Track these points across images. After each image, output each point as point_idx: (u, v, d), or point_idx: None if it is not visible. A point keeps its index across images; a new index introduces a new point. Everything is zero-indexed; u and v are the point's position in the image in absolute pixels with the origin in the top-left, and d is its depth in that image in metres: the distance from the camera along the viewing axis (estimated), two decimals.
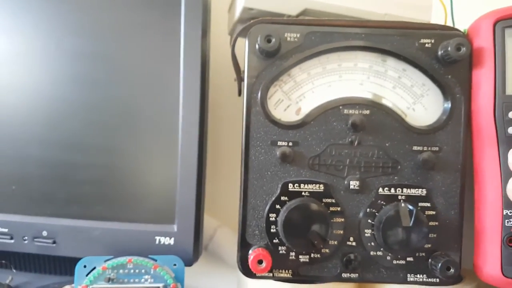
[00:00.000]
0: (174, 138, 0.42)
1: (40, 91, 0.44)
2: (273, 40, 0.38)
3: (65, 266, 0.50)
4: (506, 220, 0.37)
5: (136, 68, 0.43)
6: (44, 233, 0.44)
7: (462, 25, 0.42)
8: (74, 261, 0.40)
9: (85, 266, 0.40)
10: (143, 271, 0.40)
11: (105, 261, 0.40)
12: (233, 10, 0.44)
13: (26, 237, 0.44)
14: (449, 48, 0.38)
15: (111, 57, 0.43)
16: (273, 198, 0.39)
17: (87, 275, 0.40)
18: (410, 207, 0.38)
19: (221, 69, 0.46)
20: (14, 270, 0.49)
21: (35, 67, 0.44)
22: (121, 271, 0.40)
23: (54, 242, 0.44)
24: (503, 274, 0.37)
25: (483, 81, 0.38)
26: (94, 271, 0.40)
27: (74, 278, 0.40)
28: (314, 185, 0.39)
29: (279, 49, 0.39)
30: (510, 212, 0.37)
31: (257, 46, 0.38)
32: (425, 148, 0.39)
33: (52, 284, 0.49)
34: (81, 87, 0.44)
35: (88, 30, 0.43)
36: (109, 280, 0.39)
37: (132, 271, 0.40)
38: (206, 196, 0.48)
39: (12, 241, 0.44)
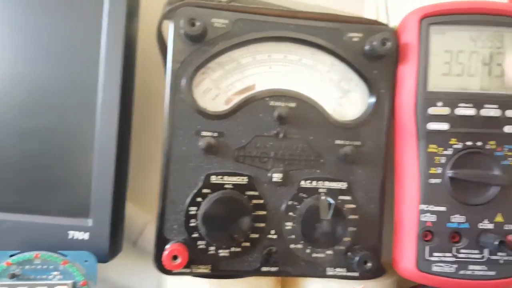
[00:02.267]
0: (90, 125, 0.39)
1: None
2: (198, 24, 0.36)
3: None
4: (422, 215, 0.38)
5: (55, 46, 0.39)
6: None
7: (396, 21, 0.42)
8: None
9: None
10: (51, 267, 0.37)
11: (10, 256, 0.37)
12: None
13: None
14: (374, 43, 0.38)
15: (30, 34, 0.39)
16: (195, 191, 0.38)
17: None
18: (330, 200, 0.38)
19: (153, 54, 0.43)
20: None
21: None
22: (27, 267, 0.37)
23: None
24: (418, 268, 0.38)
25: (406, 77, 0.39)
26: None
27: None
28: (238, 177, 0.38)
29: (205, 34, 0.37)
30: (426, 207, 0.38)
31: (181, 30, 0.36)
32: (348, 142, 0.39)
33: None
34: None
35: (4, 6, 0.39)
36: (13, 276, 0.36)
37: (39, 267, 0.37)
38: (138, 189, 0.46)
39: None
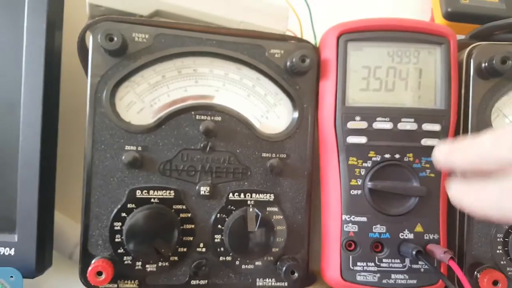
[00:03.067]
0: (14, 137, 0.39)
1: None
2: (115, 39, 0.36)
3: None
4: (345, 225, 0.39)
5: None
6: None
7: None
8: None
9: None
10: None
11: None
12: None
13: None
14: (294, 60, 0.39)
15: None
16: (119, 206, 0.38)
17: None
18: (257, 211, 0.38)
19: (78, 67, 0.43)
20: None
21: None
22: None
23: None
24: (342, 278, 0.39)
25: (327, 92, 0.40)
26: None
27: None
28: (165, 191, 0.39)
29: (125, 48, 0.37)
30: (348, 217, 0.39)
31: (99, 44, 0.37)
32: (274, 155, 0.40)
33: None
34: None
35: None
36: None
37: None
38: (71, 202, 0.45)
39: None
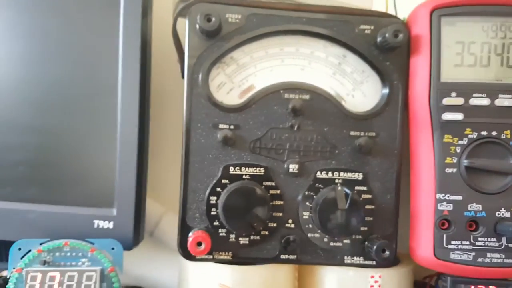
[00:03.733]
0: (112, 119, 0.41)
1: None
2: (213, 19, 0.37)
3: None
4: (439, 204, 0.38)
5: (73, 45, 0.41)
6: None
7: (404, 13, 0.43)
8: (6, 245, 0.39)
9: (19, 249, 0.39)
10: (80, 254, 0.39)
11: (41, 244, 0.39)
12: None
13: None
14: (387, 35, 0.38)
15: (47, 33, 0.41)
16: (214, 181, 0.39)
17: (21, 258, 0.39)
18: (347, 190, 0.38)
19: (165, 50, 0.45)
20: None
21: None
22: (57, 254, 0.39)
23: None
24: (435, 256, 0.38)
25: (419, 68, 0.39)
26: (29, 254, 0.38)
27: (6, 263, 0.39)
28: (255, 168, 0.40)
29: (219, 29, 0.38)
30: (442, 196, 0.38)
31: (197, 25, 0.38)
32: (362, 134, 0.40)
33: None
34: (16, 64, 0.42)
35: (23, 4, 0.41)
36: (45, 263, 0.38)
37: (68, 254, 0.39)
38: (153, 182, 0.48)
39: None
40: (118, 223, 0.41)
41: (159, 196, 0.51)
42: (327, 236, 0.40)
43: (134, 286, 0.52)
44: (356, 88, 0.41)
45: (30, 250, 0.39)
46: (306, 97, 0.40)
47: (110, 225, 0.41)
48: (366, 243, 0.40)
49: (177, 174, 0.40)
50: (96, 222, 0.41)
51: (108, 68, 0.41)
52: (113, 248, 0.40)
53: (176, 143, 0.41)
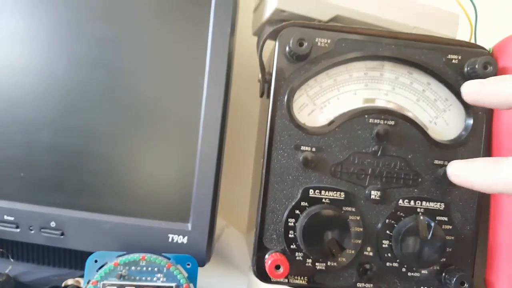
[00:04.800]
0: (194, 134, 0.41)
1: (56, 75, 0.43)
2: (306, 44, 0.38)
3: (65, 258, 0.48)
4: None
5: (159, 58, 0.42)
6: (52, 224, 0.42)
7: (484, 43, 0.43)
8: (76, 253, 0.39)
9: (96, 261, 0.39)
10: (156, 269, 0.39)
11: (117, 257, 0.39)
12: (261, 11, 0.43)
13: (32, 227, 0.43)
14: (476, 66, 0.38)
15: (134, 45, 0.42)
16: (293, 203, 0.39)
17: (97, 271, 0.39)
18: (429, 220, 0.38)
19: (243, 68, 0.46)
20: (12, 260, 0.48)
21: (52, 50, 0.43)
22: (133, 268, 0.39)
23: (62, 234, 0.42)
24: None
25: None
26: (105, 267, 0.39)
27: (74, 271, 0.39)
28: (335, 192, 0.39)
29: (309, 53, 0.38)
30: None
31: (287, 48, 0.38)
32: (446, 163, 0.39)
33: (51, 276, 0.47)
34: (100, 74, 0.42)
35: (111, 15, 0.42)
36: (121, 276, 0.38)
37: (144, 268, 0.39)
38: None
39: (18, 230, 0.43)
40: (193, 238, 0.41)
41: (220, 209, 0.51)
42: (405, 266, 0.39)
43: None
44: (439, 115, 0.41)
45: (106, 263, 0.39)
46: (391, 122, 0.39)
47: (185, 240, 0.41)
48: (443, 274, 0.39)
49: (239, 187, 0.40)
50: (171, 236, 0.41)
51: (194, 85, 0.42)
52: (188, 264, 0.40)
53: (241, 158, 0.41)
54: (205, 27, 0.41)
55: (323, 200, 0.39)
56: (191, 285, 0.39)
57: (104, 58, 0.43)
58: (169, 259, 0.39)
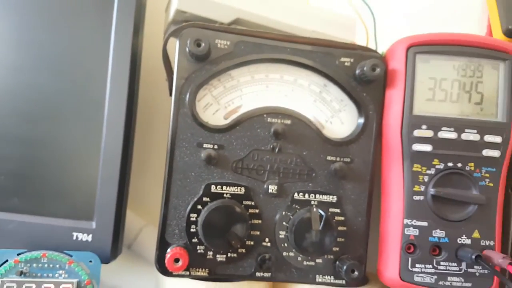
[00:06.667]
0: (97, 133, 0.42)
1: None
2: (203, 44, 0.39)
3: None
4: (406, 229, 0.41)
5: (62, 57, 0.42)
6: None
7: (385, 47, 0.46)
8: None
9: None
10: (57, 266, 0.39)
11: (18, 254, 0.39)
12: (168, 11, 0.44)
13: None
14: (365, 68, 0.41)
15: (37, 44, 0.42)
16: (195, 199, 0.40)
17: None
18: (321, 212, 0.41)
19: (154, 68, 0.47)
20: None
21: None
22: (34, 265, 0.39)
23: None
24: (401, 278, 0.41)
25: (394, 100, 0.42)
26: (5, 264, 0.39)
27: None
28: (236, 187, 0.41)
29: (209, 54, 0.40)
30: (409, 221, 0.41)
31: (187, 48, 0.40)
32: (338, 159, 0.42)
33: None
34: (4, 73, 0.42)
35: (13, 15, 0.42)
36: (21, 273, 0.38)
37: (46, 265, 0.39)
38: (133, 195, 0.48)
39: None
40: (97, 236, 0.42)
41: (139, 209, 0.52)
42: (301, 255, 0.42)
43: None
44: (335, 115, 0.44)
45: (7, 260, 0.39)
46: (288, 121, 0.42)
47: (89, 238, 0.42)
48: (337, 263, 0.42)
49: (159, 188, 0.41)
50: (75, 234, 0.42)
51: (97, 83, 0.42)
52: (90, 261, 0.40)
53: (160, 158, 0.42)
54: (107, 25, 0.41)
55: (224, 195, 0.41)
56: (93, 281, 0.40)
57: (6, 58, 0.42)
58: (71, 256, 0.40)
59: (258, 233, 0.41)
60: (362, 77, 0.42)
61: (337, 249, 0.42)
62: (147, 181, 0.52)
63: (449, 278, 0.40)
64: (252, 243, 0.41)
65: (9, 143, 0.42)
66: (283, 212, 0.42)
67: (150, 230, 0.51)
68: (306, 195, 0.42)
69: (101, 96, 0.42)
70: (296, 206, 0.42)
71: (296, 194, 0.42)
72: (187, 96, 0.40)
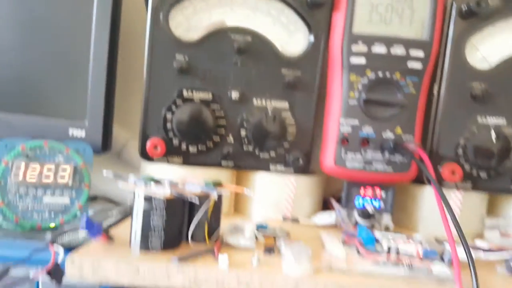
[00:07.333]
0: (85, 49, 0.50)
1: None
2: None
3: None
4: (341, 127, 0.50)
5: None
6: None
7: None
8: None
9: (6, 146, 0.47)
10: (57, 152, 0.48)
11: (24, 142, 0.48)
12: None
13: None
14: None
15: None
16: (170, 101, 0.49)
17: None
18: (275, 114, 0.50)
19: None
20: None
21: None
22: (38, 151, 0.48)
23: None
24: (336, 164, 0.50)
25: (338, 21, 0.50)
26: (14, 150, 0.47)
27: None
28: (204, 92, 0.50)
29: None
30: (345, 121, 0.50)
31: None
32: (291, 72, 0.51)
33: None
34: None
35: None
36: (27, 157, 0.47)
37: (47, 152, 0.48)
38: (120, 113, 0.57)
39: None
40: (89, 132, 0.51)
41: (125, 125, 0.60)
42: (257, 148, 0.51)
43: (102, 196, 0.62)
44: (291, 35, 0.52)
45: (15, 147, 0.48)
46: (249, 39, 0.50)
47: (83, 133, 0.51)
48: (287, 155, 0.52)
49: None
50: (71, 130, 0.50)
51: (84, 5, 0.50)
52: (84, 150, 0.49)
53: (141, 81, 0.50)
54: None
55: (194, 100, 0.50)
56: (87, 165, 0.49)
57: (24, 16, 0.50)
58: (67, 145, 0.48)
59: (223, 131, 0.51)
60: (313, 2, 0.50)
61: (288, 145, 0.52)
62: (131, 101, 0.60)
63: (374, 163, 0.50)
64: (218, 139, 0.50)
65: (13, 54, 0.50)
66: (244, 115, 0.51)
67: (135, 142, 0.60)
68: (264, 101, 0.51)
69: (88, 16, 0.50)
70: (255, 110, 0.51)
71: (255, 100, 0.51)
72: (161, 14, 0.48)
